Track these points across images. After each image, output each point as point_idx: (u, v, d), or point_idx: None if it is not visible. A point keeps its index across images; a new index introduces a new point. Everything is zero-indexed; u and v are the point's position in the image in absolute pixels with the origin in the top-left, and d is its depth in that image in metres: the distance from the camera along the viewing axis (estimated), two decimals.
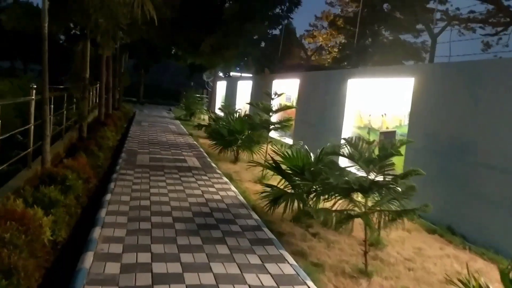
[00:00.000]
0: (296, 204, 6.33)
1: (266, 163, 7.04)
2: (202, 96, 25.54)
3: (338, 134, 10.25)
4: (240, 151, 10.98)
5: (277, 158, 6.93)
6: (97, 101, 16.50)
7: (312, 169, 6.36)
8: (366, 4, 22.34)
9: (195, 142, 13.75)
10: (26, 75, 23.01)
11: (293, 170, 6.65)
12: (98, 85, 17.22)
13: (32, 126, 6.65)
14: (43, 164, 5.80)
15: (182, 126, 19.25)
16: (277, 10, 19.01)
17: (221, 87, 27.34)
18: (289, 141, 13.23)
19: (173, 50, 21.50)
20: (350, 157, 4.79)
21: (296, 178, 6.65)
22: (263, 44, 20.20)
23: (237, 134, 10.48)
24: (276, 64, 20.32)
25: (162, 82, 45.30)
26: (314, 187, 6.39)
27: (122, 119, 15.98)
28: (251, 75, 24.30)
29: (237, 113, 12.33)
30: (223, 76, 29.50)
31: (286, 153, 6.79)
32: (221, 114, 17.00)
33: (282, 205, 6.17)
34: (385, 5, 28.61)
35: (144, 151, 10.96)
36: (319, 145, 10.36)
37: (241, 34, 16.97)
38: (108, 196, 6.35)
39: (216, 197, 6.97)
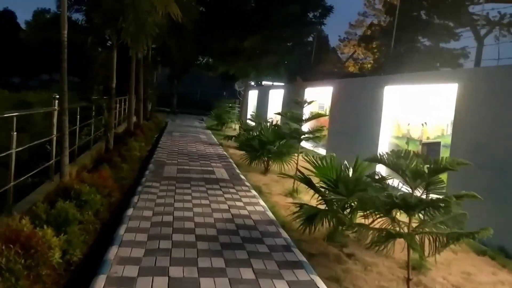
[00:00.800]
0: (327, 221, 5.84)
1: (298, 175, 6.56)
2: (233, 106, 25.33)
3: (374, 144, 9.68)
4: (270, 162, 10.57)
5: (308, 170, 6.46)
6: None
7: (346, 180, 5.85)
8: (406, 11, 21.58)
9: (224, 153, 13.44)
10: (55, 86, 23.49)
11: (326, 183, 6.16)
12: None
13: (55, 137, 6.45)
14: (62, 178, 5.57)
15: (212, 136, 19.04)
16: (310, 16, 18.54)
17: (252, 96, 27.07)
18: (322, 151, 12.71)
19: (204, 59, 21.43)
20: (394, 167, 4.26)
21: (330, 193, 6.16)
22: (296, 52, 19.78)
23: (268, 145, 10.07)
24: (308, 72, 19.85)
25: (196, 93, 45.67)
26: (349, 202, 5.91)
27: (152, 129, 15.90)
28: (282, 83, 23.92)
29: (267, 123, 11.94)
30: (254, 85, 29.24)
31: (317, 163, 6.30)
32: (252, 123, 16.69)
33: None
34: (422, 11, 27.72)
35: (173, 162, 10.71)
36: (354, 156, 9.79)
37: (281, 40, 16.64)
38: (130, 211, 6.05)
39: (243, 212, 6.55)
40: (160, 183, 8.09)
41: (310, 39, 20.96)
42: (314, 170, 6.37)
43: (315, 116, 8.37)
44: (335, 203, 5.99)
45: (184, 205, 6.61)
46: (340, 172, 6.07)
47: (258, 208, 6.87)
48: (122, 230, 5.21)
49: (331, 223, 5.87)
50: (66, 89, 5.43)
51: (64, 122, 5.49)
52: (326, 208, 5.98)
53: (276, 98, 20.58)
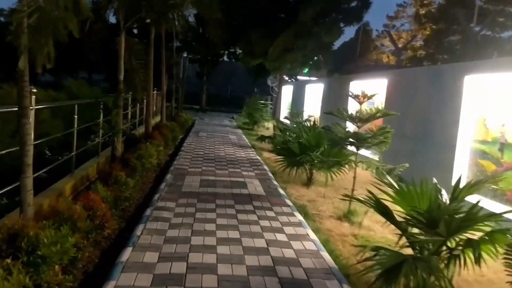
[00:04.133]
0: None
1: (368, 200, 4.50)
2: (266, 103, 23.37)
3: (450, 151, 7.55)
4: (315, 170, 8.57)
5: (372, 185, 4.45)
6: (155, 109, 15.07)
7: (449, 216, 3.82)
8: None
9: (257, 157, 11.51)
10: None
11: (414, 216, 4.13)
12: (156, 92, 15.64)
13: (32, 145, 4.69)
14: (21, 212, 3.75)
15: (244, 136, 17.17)
16: (353, 4, 16.49)
17: (287, 92, 24.99)
18: (370, 158, 10.61)
19: (232, 50, 19.84)
20: None
21: (418, 225, 4.14)
22: (339, 43, 17.98)
23: (312, 151, 8.06)
24: (353, 65, 17.73)
25: (226, 90, 44.34)
26: (448, 244, 3.91)
27: (176, 130, 14.12)
28: (318, 78, 21.84)
29: (309, 122, 9.94)
30: (289, 80, 27.24)
31: (397, 187, 4.29)
32: (287, 121, 14.74)
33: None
34: None
35: (196, 171, 8.88)
36: (421, 167, 7.67)
37: (315, 34, 14.75)
38: (127, 253, 4.21)
39: (288, 253, 4.59)
40: (177, 203, 6.26)
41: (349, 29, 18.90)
42: (390, 196, 4.38)
43: (380, 114, 6.27)
44: (428, 245, 4.01)
45: (204, 241, 4.72)
46: (435, 202, 4.03)
47: (308, 244, 4.90)
48: None
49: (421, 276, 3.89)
50: (28, 78, 3.61)
51: (24, 127, 3.65)
52: (414, 254, 4.00)
53: (314, 93, 18.49)
